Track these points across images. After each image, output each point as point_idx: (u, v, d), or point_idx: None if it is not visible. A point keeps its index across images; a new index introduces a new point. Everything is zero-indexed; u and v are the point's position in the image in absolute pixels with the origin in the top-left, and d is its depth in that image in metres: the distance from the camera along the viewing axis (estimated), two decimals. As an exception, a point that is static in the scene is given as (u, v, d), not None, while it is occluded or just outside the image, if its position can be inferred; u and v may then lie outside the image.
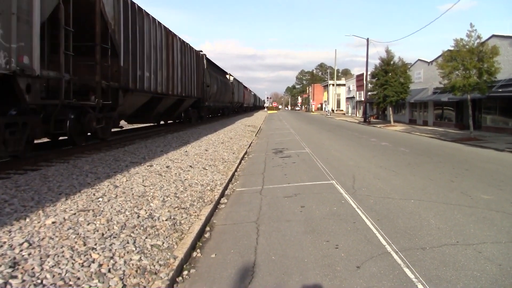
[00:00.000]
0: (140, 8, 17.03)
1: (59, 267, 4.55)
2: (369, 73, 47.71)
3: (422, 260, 5.61)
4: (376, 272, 5.23)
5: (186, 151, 14.83)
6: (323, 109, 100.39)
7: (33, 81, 9.55)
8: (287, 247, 6.23)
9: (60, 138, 14.85)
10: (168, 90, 21.00)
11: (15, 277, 4.21)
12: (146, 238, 5.87)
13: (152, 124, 27.63)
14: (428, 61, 42.01)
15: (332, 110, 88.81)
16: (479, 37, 23.93)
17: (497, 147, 19.85)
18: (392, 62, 40.52)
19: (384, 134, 30.22)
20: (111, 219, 6.37)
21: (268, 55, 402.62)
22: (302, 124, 45.46)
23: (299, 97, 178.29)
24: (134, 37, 16.30)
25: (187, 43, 25.84)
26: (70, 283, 4.30)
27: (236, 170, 13.09)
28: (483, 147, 20.36)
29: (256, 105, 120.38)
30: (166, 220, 6.83)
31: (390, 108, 43.11)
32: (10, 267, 4.36)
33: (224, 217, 8.04)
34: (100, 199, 7.37)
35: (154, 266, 5.06)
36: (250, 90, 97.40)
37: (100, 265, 4.75)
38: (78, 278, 4.41)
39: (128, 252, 5.25)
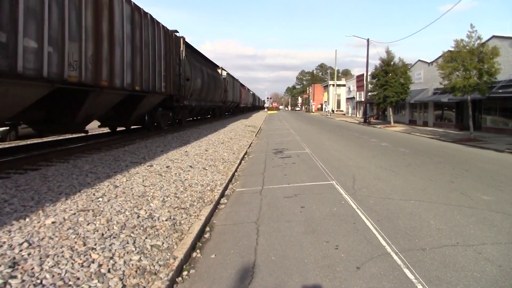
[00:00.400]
0: None
1: (59, 267, 4.55)
2: (369, 73, 47.68)
3: (422, 261, 5.61)
4: (376, 273, 5.23)
5: (186, 151, 14.83)
6: (323, 110, 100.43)
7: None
8: (287, 248, 6.23)
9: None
10: (98, 79, 12.09)
11: (15, 277, 4.20)
12: (146, 238, 5.87)
13: (76, 135, 18.61)
14: (429, 61, 41.99)
15: (332, 111, 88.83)
16: (479, 37, 23.92)
17: (497, 148, 19.84)
18: (392, 63, 40.49)
19: (384, 134, 30.21)
20: (111, 219, 6.37)
21: (269, 55, 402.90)
22: (302, 124, 45.46)
23: (299, 98, 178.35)
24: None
25: (148, 14, 16.58)
26: (70, 283, 4.29)
27: (236, 170, 13.09)
28: (483, 148, 20.35)
29: (256, 105, 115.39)
30: (166, 220, 6.82)
31: (390, 109, 43.09)
32: (10, 267, 4.36)
33: (224, 218, 8.03)
34: (100, 199, 7.36)
35: (154, 266, 5.06)
36: (248, 89, 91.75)
37: (99, 265, 4.75)
38: (78, 278, 4.41)
39: (128, 252, 5.25)
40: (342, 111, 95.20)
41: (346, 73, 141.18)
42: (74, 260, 4.77)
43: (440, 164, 14.50)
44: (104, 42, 12.47)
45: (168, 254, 5.50)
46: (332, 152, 18.08)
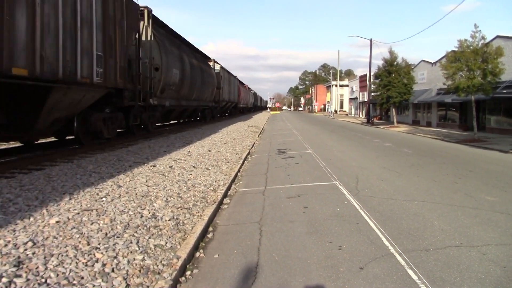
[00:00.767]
0: None
1: (63, 266, 4.56)
2: (372, 73, 47.61)
3: (425, 261, 5.60)
4: (380, 274, 5.22)
5: (189, 152, 14.85)
6: (326, 110, 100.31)
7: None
8: (290, 248, 6.23)
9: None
10: None
11: (20, 276, 4.22)
12: (149, 238, 5.88)
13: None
14: (432, 62, 41.90)
15: (335, 111, 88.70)
16: (483, 38, 23.87)
17: (502, 148, 19.78)
18: (395, 63, 40.45)
19: (388, 135, 30.16)
20: (115, 218, 6.38)
21: (271, 56, 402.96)
22: (305, 124, 45.43)
23: (302, 98, 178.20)
24: None
25: None
26: (74, 282, 4.31)
27: (239, 171, 13.10)
28: (487, 149, 20.29)
29: (257, 106, 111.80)
30: (169, 220, 6.83)
31: (394, 109, 43.05)
32: (15, 266, 4.37)
33: (227, 218, 8.04)
34: (104, 199, 7.38)
35: (157, 266, 5.07)
36: (249, 88, 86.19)
37: (103, 265, 4.76)
38: (82, 278, 4.42)
39: (131, 252, 5.26)
40: (345, 111, 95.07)
41: (349, 74, 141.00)
42: (78, 259, 4.78)
43: (443, 164, 14.47)
44: None
45: (172, 253, 5.51)
46: (335, 152, 18.06)
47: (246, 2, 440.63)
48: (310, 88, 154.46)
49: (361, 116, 71.41)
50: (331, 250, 6.10)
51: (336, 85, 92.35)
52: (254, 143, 22.11)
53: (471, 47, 23.69)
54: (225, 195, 9.68)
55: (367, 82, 52.17)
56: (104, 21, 12.43)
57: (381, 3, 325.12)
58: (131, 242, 5.54)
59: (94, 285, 4.32)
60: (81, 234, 5.55)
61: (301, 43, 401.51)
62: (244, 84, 76.78)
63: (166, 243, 5.85)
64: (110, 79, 12.98)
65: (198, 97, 28.65)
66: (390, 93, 39.16)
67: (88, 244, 5.24)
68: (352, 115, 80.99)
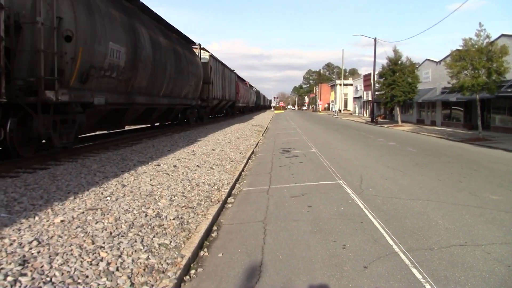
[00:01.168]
0: None
1: (68, 265, 4.58)
2: (376, 72, 47.50)
3: (430, 260, 5.58)
4: (384, 272, 5.21)
5: (193, 151, 14.87)
6: (330, 109, 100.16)
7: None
8: (294, 247, 6.22)
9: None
10: None
11: (25, 274, 4.24)
12: (154, 237, 5.90)
13: None
14: (436, 60, 41.74)
15: (339, 110, 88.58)
16: (488, 36, 23.75)
17: (506, 147, 19.69)
18: (399, 62, 40.34)
19: (392, 134, 30.09)
20: (119, 218, 6.41)
21: (275, 55, 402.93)
22: (309, 124, 45.39)
23: (306, 97, 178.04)
24: None
25: None
26: (79, 281, 4.33)
27: (243, 170, 13.10)
28: (492, 148, 20.20)
29: (260, 105, 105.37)
30: (173, 219, 6.85)
31: (398, 108, 42.91)
32: (20, 265, 4.40)
33: (231, 217, 8.05)
34: (108, 198, 7.41)
35: (162, 265, 5.08)
36: (250, 85, 79.73)
37: (108, 264, 4.78)
38: (87, 276, 4.44)
39: (136, 250, 5.28)
40: (349, 110, 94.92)
41: (353, 73, 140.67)
42: (83, 258, 4.81)
43: (448, 163, 14.42)
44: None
45: (176, 252, 5.52)
46: (339, 151, 18.04)
47: (250, 2, 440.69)
48: (314, 87, 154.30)
49: (365, 115, 71.25)
50: (335, 249, 6.09)
51: (340, 84, 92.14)
52: (258, 142, 22.11)
53: (476, 46, 23.58)
54: (229, 194, 9.69)
55: (371, 81, 52.08)
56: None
57: (385, 1, 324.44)
58: (136, 241, 5.56)
59: (99, 284, 4.34)
60: (86, 233, 5.57)
61: (305, 42, 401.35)
62: (245, 81, 70.37)
63: (171, 242, 5.86)
64: None
65: (173, 93, 20.35)
66: (395, 92, 39.05)
67: (93, 243, 5.26)
68: (356, 114, 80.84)
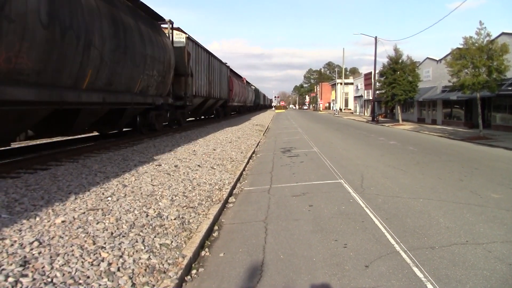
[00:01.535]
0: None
1: (69, 266, 4.59)
2: (377, 71, 47.47)
3: (431, 259, 5.58)
4: (385, 271, 5.21)
5: (194, 151, 14.87)
6: (331, 108, 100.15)
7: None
8: (296, 246, 6.23)
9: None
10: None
11: (26, 275, 4.25)
12: (155, 237, 5.90)
13: None
14: (437, 59, 41.70)
15: (340, 109, 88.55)
16: (488, 35, 23.71)
17: (507, 145, 19.66)
18: (400, 61, 40.29)
19: (393, 133, 30.07)
20: (120, 218, 6.41)
21: (276, 54, 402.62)
22: (310, 123, 45.37)
23: (306, 96, 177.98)
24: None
25: None
26: (80, 281, 4.33)
27: (244, 169, 13.10)
28: (492, 146, 20.18)
29: (260, 104, 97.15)
30: (174, 219, 6.85)
31: (399, 107, 42.88)
32: (21, 265, 4.40)
33: (233, 216, 8.05)
34: (109, 198, 7.41)
35: (163, 265, 5.08)
36: (248, 82, 70.23)
37: (109, 264, 4.78)
38: (88, 277, 4.44)
39: (137, 251, 5.28)
40: (350, 109, 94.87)
41: (353, 72, 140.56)
42: (84, 258, 4.81)
43: (449, 162, 14.41)
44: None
45: (177, 252, 5.53)
46: (340, 150, 18.03)
47: (251, 1, 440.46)
48: (315, 87, 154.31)
49: (366, 114, 71.20)
50: (336, 248, 6.09)
51: (341, 83, 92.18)
52: (259, 142, 22.11)
53: (476, 44, 23.54)
54: (230, 194, 9.69)
55: (372, 80, 52.02)
56: None
57: (386, 0, 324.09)
58: (137, 241, 5.56)
59: (100, 285, 4.34)
60: (87, 233, 5.57)
61: (305, 42, 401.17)
62: (241, 77, 62.02)
63: (172, 242, 5.86)
64: None
65: (115, 85, 13.40)
66: (395, 91, 39.01)
67: (94, 243, 5.27)
68: (357, 113, 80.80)
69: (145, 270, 4.84)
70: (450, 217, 7.53)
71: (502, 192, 9.60)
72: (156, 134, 19.37)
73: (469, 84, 23.20)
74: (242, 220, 7.79)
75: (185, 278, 5.11)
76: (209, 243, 6.50)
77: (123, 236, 5.67)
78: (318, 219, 7.62)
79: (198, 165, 12.04)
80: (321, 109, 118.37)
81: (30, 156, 11.53)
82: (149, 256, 5.18)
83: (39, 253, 4.78)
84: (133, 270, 4.77)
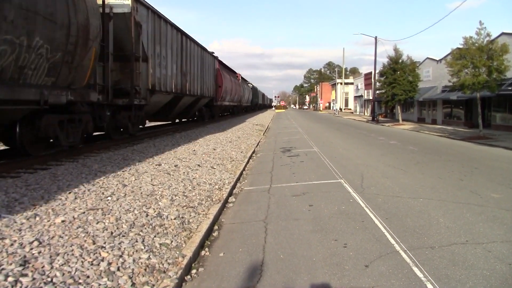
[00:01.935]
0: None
1: (69, 266, 4.58)
2: (377, 71, 47.47)
3: (431, 259, 5.58)
4: (385, 271, 5.21)
5: (194, 150, 14.86)
6: (331, 108, 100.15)
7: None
8: (296, 246, 6.23)
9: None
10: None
11: (26, 275, 4.25)
12: (155, 236, 5.90)
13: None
14: (437, 59, 41.72)
15: (340, 109, 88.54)
16: (488, 35, 23.73)
17: (507, 145, 19.66)
18: (400, 61, 40.31)
19: (393, 132, 30.07)
20: (120, 217, 6.40)
21: (276, 54, 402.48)
22: (310, 122, 45.37)
23: (307, 96, 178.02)
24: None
25: None
26: (80, 281, 4.33)
27: (244, 169, 13.10)
28: (492, 146, 20.18)
29: (259, 104, 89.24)
30: (174, 219, 6.85)
31: (399, 107, 42.89)
32: (21, 265, 4.40)
33: (232, 216, 8.05)
34: (109, 198, 7.41)
35: (163, 264, 5.08)
36: (243, 79, 60.71)
37: (109, 264, 4.78)
38: (88, 277, 4.44)
39: (137, 250, 5.28)
40: (350, 109, 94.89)
41: (354, 71, 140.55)
42: (84, 258, 4.81)
43: (449, 162, 14.41)
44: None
45: (177, 252, 5.53)
46: (340, 150, 18.03)
47: (252, 1, 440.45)
48: (315, 86, 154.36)
49: (366, 114, 71.21)
50: (336, 248, 6.09)
51: (341, 83, 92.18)
52: (259, 142, 22.11)
53: (476, 44, 23.57)
54: (230, 194, 9.69)
55: (372, 80, 52.01)
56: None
57: (386, 0, 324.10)
58: (137, 241, 5.56)
59: (100, 284, 4.34)
60: (87, 233, 5.57)
61: (306, 41, 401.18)
62: (235, 72, 53.09)
63: (172, 241, 5.86)
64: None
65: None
66: (395, 90, 39.01)
67: (94, 243, 5.26)
68: (357, 113, 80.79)
69: (145, 269, 4.84)
70: (450, 217, 7.52)
71: (502, 191, 9.60)
72: (156, 134, 19.33)
73: (469, 84, 23.21)
74: (242, 219, 7.79)
75: (185, 277, 5.11)
76: (209, 242, 6.50)
77: (123, 236, 5.67)
78: (318, 218, 7.62)
79: (198, 165, 12.04)
80: (321, 109, 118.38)
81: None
82: (149, 256, 5.18)
83: (39, 252, 4.78)
84: (133, 269, 4.77)
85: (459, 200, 8.77)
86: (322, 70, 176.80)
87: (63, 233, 5.46)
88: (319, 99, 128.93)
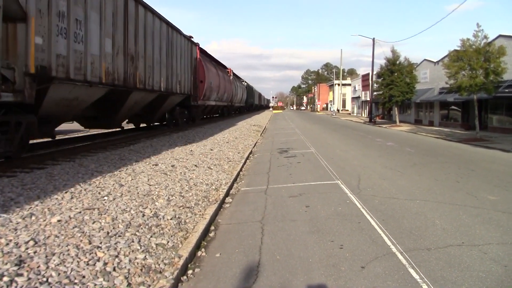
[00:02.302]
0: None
1: (65, 266, 4.57)
2: (375, 73, 47.55)
3: (427, 260, 5.59)
4: (381, 273, 5.21)
5: (191, 150, 14.85)
6: (329, 109, 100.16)
7: None
8: (292, 247, 6.23)
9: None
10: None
11: (21, 275, 4.23)
12: (151, 237, 5.89)
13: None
14: (434, 61, 41.81)
15: (338, 110, 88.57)
16: (485, 37, 23.82)
17: (504, 147, 19.71)
18: (398, 62, 40.36)
19: (390, 134, 30.11)
20: (116, 217, 6.39)
21: (274, 55, 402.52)
22: (307, 123, 45.39)
23: (304, 97, 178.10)
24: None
25: None
26: (76, 281, 4.32)
27: (241, 170, 13.10)
28: (489, 148, 20.23)
29: (254, 104, 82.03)
30: (171, 219, 6.84)
31: (396, 108, 42.95)
32: (16, 265, 4.38)
33: (229, 217, 8.04)
34: (106, 198, 7.39)
35: (159, 265, 5.07)
36: (236, 76, 52.19)
37: (105, 264, 4.77)
38: (83, 277, 4.43)
39: (133, 250, 5.27)
40: (348, 110, 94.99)
41: (351, 73, 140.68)
42: (79, 258, 4.79)
43: (445, 164, 14.44)
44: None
45: (173, 252, 5.52)
46: (337, 151, 18.04)
47: (250, 1, 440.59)
48: (313, 87, 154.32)
49: (363, 115, 71.31)
50: (332, 249, 6.09)
51: (338, 84, 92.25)
52: (256, 142, 22.11)
53: (474, 46, 23.64)
54: (227, 194, 9.68)
55: (370, 81, 52.11)
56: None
57: (384, 2, 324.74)
58: (133, 241, 5.55)
59: (95, 284, 4.33)
60: (83, 233, 5.55)
61: (304, 42, 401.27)
62: (226, 67, 44.31)
63: (168, 242, 5.85)
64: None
65: None
66: (393, 92, 39.07)
67: (90, 243, 5.25)
68: (355, 114, 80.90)
69: (141, 270, 4.83)
70: (446, 219, 7.54)
71: (499, 194, 9.62)
72: (154, 134, 19.24)
73: (466, 86, 23.28)
74: (238, 220, 7.78)
75: (181, 278, 5.10)
76: (205, 243, 6.49)
77: (119, 236, 5.66)
78: (315, 220, 7.62)
79: (195, 165, 12.03)
80: (318, 110, 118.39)
81: (26, 155, 11.48)
82: (145, 256, 5.17)
83: (35, 252, 4.77)
84: (129, 270, 4.76)
85: (456, 202, 8.78)
86: (320, 71, 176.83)
87: (59, 232, 5.44)
88: (316, 100, 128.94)
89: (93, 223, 6.00)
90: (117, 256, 5.01)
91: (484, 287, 4.83)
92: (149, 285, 4.55)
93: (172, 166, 11.39)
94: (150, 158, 12.24)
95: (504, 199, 9.06)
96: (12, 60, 8.44)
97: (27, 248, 4.83)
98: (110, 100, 14.01)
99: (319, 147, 19.40)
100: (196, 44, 26.08)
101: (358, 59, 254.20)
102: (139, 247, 5.39)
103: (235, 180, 11.41)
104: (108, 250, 5.12)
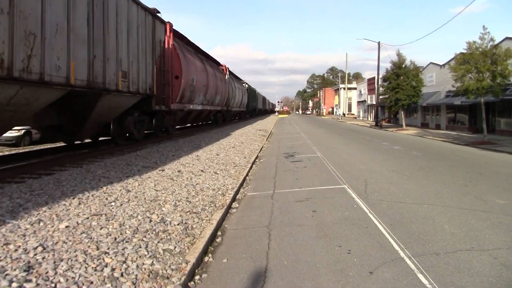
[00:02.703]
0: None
1: (73, 271, 4.58)
2: (380, 76, 47.46)
3: (436, 265, 5.54)
4: (390, 278, 5.18)
5: (197, 156, 14.87)
6: (334, 113, 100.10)
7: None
8: (299, 252, 6.20)
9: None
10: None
11: (30, 280, 4.24)
12: (158, 242, 5.89)
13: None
14: (441, 64, 41.69)
15: (343, 114, 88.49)
16: (492, 39, 23.73)
17: (512, 151, 19.58)
18: (403, 66, 40.28)
19: (396, 138, 30.00)
20: (124, 223, 6.40)
21: (279, 59, 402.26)
22: (313, 128, 45.34)
23: (310, 101, 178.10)
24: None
25: None
26: (83, 287, 4.32)
27: (247, 175, 13.08)
28: (497, 151, 20.10)
29: (257, 108, 74.46)
30: (178, 224, 6.84)
31: (402, 112, 42.82)
32: (25, 271, 4.40)
33: (236, 222, 8.03)
34: (113, 204, 7.41)
35: (166, 270, 5.07)
36: (234, 76, 47.32)
37: (113, 269, 4.77)
38: (91, 282, 4.43)
39: (140, 256, 5.27)
40: (353, 114, 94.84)
41: (357, 76, 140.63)
42: (87, 264, 4.80)
43: (453, 167, 14.35)
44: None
45: (180, 258, 5.51)
46: (344, 155, 17.99)
47: (254, 6, 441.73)
48: (318, 92, 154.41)
49: (369, 119, 71.14)
50: (340, 254, 6.06)
51: (344, 88, 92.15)
52: (262, 147, 22.10)
53: (480, 49, 23.56)
54: (233, 199, 9.67)
55: (375, 85, 52.03)
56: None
57: (389, 6, 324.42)
58: (140, 247, 5.55)
59: (103, 290, 4.33)
60: (91, 238, 5.57)
61: (309, 47, 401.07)
62: (219, 64, 37.35)
63: (175, 247, 5.85)
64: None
65: None
66: (399, 95, 38.98)
67: (98, 248, 5.26)
68: (361, 118, 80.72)
69: (148, 275, 4.83)
70: (455, 223, 7.48)
71: (508, 198, 9.54)
72: (160, 139, 19.29)
73: (473, 89, 23.19)
74: (245, 225, 7.76)
75: (188, 284, 5.09)
76: (212, 248, 6.48)
77: (127, 242, 5.67)
78: (322, 224, 7.59)
79: (201, 170, 12.04)
80: (324, 114, 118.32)
81: (34, 161, 11.56)
82: (153, 262, 5.17)
83: (43, 258, 4.78)
84: (136, 275, 4.76)
85: (464, 206, 8.72)
86: (325, 75, 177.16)
87: (67, 238, 5.46)
88: (322, 104, 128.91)
89: (101, 229, 6.02)
90: (124, 262, 5.01)
91: (494, 293, 4.78)
92: (157, 291, 4.54)
93: (179, 171, 11.41)
94: (156, 164, 12.27)
95: (513, 203, 8.98)
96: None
97: (35, 254, 4.85)
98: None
99: (325, 152, 19.36)
100: (165, 23, 18.62)
101: (363, 63, 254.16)
102: (146, 253, 5.39)
103: (241, 185, 11.40)
104: (115, 256, 5.12)
